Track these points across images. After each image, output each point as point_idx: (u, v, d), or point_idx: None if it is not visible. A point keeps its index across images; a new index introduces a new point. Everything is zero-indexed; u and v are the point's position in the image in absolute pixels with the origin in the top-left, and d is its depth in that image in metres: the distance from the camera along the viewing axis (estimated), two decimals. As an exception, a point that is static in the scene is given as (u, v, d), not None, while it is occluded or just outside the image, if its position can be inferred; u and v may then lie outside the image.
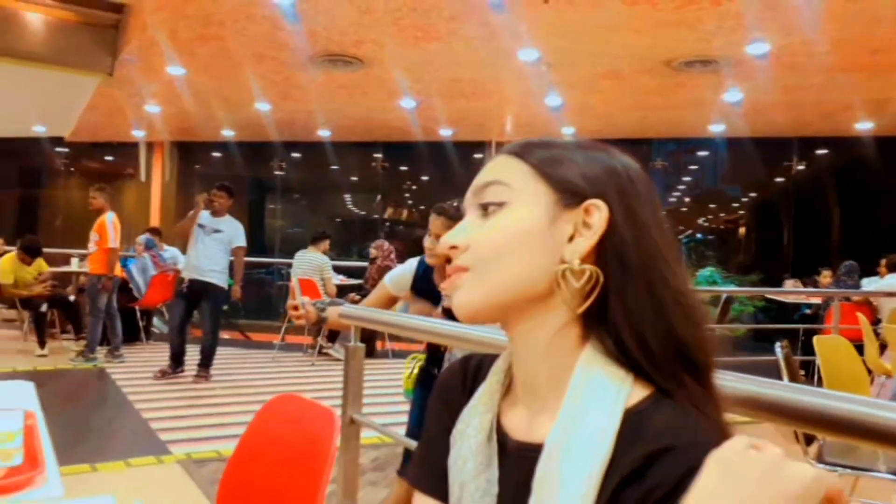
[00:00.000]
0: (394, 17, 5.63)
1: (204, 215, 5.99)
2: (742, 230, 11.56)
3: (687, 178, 11.63)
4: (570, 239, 0.66)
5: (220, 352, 5.87)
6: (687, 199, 11.80)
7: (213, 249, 5.97)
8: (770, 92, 7.36)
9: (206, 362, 6.07)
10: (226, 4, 5.55)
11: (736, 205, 11.70)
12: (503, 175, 0.70)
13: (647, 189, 0.69)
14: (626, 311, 0.63)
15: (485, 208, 0.69)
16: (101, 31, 6.71)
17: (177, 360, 6.07)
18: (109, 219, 6.45)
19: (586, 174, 0.68)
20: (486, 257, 0.67)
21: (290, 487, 1.47)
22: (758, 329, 9.07)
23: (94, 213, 6.61)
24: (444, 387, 0.80)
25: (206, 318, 6.16)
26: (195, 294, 5.98)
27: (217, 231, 6.00)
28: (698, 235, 11.63)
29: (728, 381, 0.99)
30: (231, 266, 6.11)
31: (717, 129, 9.41)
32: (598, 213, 0.65)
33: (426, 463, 0.76)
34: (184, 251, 6.49)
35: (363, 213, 13.24)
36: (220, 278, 6.00)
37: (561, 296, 0.65)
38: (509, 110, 9.01)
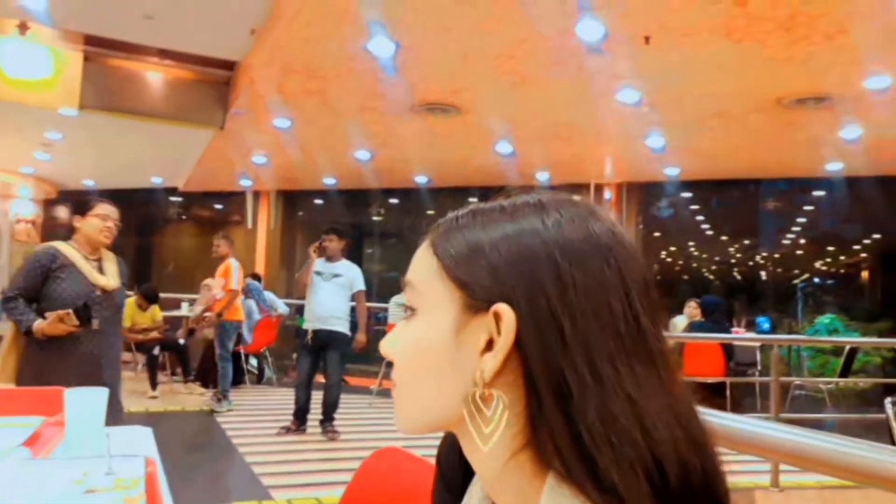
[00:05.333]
0: (492, 66, 5.66)
1: (319, 262, 5.85)
2: (865, 274, 10.78)
3: (801, 220, 10.99)
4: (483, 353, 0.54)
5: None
6: (802, 242, 11.14)
7: (334, 295, 5.78)
8: (893, 127, 6.88)
9: (331, 416, 5.82)
10: (329, 59, 5.74)
11: (857, 247, 10.94)
12: (414, 273, 0.60)
13: (597, 270, 0.53)
14: (570, 436, 0.50)
15: (406, 310, 0.60)
16: (215, 87, 7.11)
17: (301, 416, 5.83)
18: (235, 264, 6.70)
19: (497, 267, 0.54)
20: (401, 379, 0.59)
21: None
22: (887, 384, 8.33)
23: (216, 259, 6.88)
24: (442, 465, 0.72)
25: (331, 369, 5.82)
26: (321, 345, 5.76)
27: (336, 275, 5.84)
28: (815, 279, 10.93)
29: (831, 445, 0.95)
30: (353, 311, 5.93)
31: (833, 167, 8.86)
32: (505, 319, 0.52)
33: None
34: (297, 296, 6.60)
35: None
36: (344, 325, 5.79)
37: (476, 425, 0.53)
38: (608, 152, 8.84)
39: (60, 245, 3.09)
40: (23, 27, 6.13)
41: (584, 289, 0.52)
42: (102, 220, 3.11)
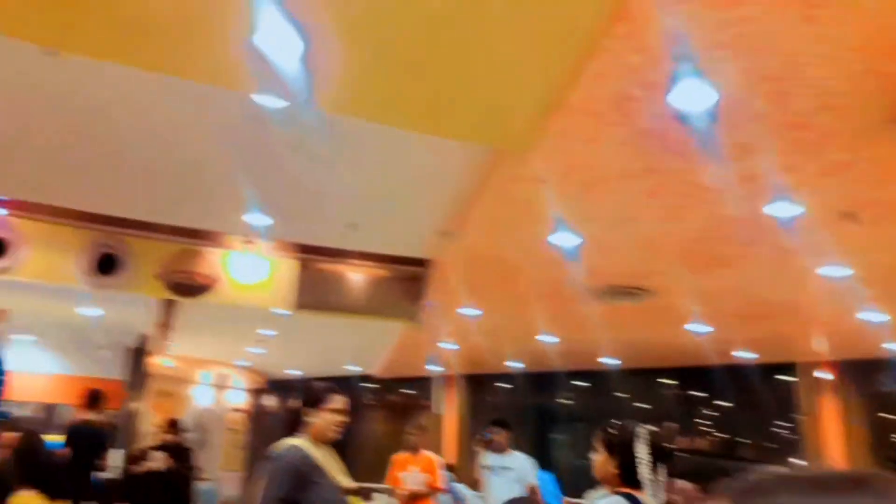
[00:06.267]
0: (681, 250, 5.54)
1: (489, 456, 5.74)
2: None
3: None
4: None
5: None
6: None
7: (507, 491, 5.52)
8: None
9: None
10: (515, 252, 5.94)
11: None
12: None
13: None
14: None
15: None
16: (408, 283, 7.56)
17: None
18: (438, 459, 6.57)
19: None
20: None
21: None
22: None
23: (409, 448, 6.85)
24: None
25: None
26: None
27: (505, 468, 5.70)
28: None
29: None
30: None
31: None
32: None
33: None
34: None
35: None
36: None
37: None
38: (817, 328, 8.09)
39: (301, 443, 2.82)
40: (248, 242, 7.01)
41: None
42: (336, 414, 2.89)
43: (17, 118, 4.46)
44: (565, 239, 5.41)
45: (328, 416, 2.89)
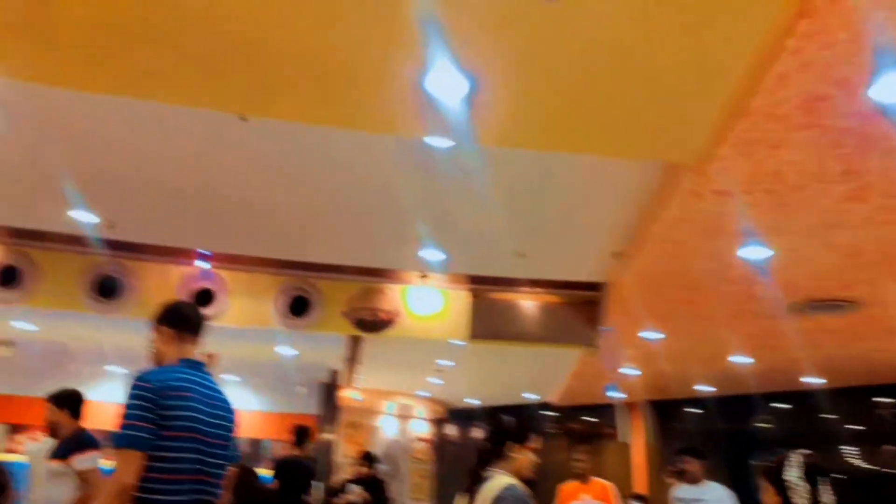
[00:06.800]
0: (886, 256, 4.96)
1: (681, 487, 5.41)
2: None
3: None
4: None
5: None
6: None
7: None
8: None
9: None
10: (701, 270, 5.62)
11: None
12: None
13: None
14: None
15: None
16: (583, 308, 7.40)
17: None
18: (613, 489, 6.34)
19: None
20: None
21: None
22: None
23: (577, 477, 6.64)
24: None
25: None
26: None
27: (700, 501, 5.31)
28: None
29: None
30: None
31: None
32: None
33: None
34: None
35: (872, 467, 11.07)
36: None
37: None
38: None
39: (515, 481, 2.79)
40: (424, 276, 7.24)
41: None
42: (535, 454, 2.91)
43: (213, 178, 4.95)
44: (757, 252, 5.03)
45: (531, 456, 2.89)
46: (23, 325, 8.44)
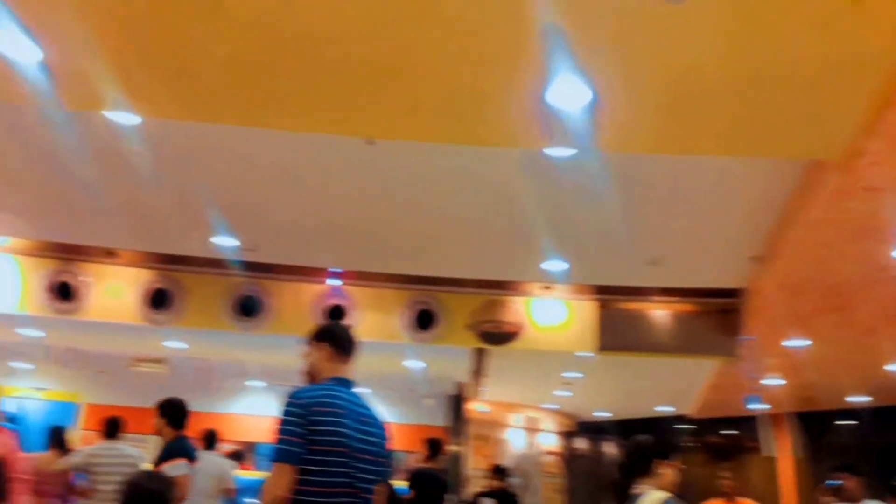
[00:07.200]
0: None
1: None
2: None
3: None
4: None
5: None
6: None
7: None
8: None
9: None
10: (852, 273, 5.23)
11: None
12: None
13: None
14: None
15: None
16: (720, 317, 7.04)
17: None
18: None
19: None
20: None
21: None
22: None
23: (721, 494, 6.34)
24: None
25: None
26: None
27: None
28: None
29: None
30: None
31: None
32: None
33: None
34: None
35: None
36: None
37: None
38: None
39: (670, 495, 2.76)
40: (547, 288, 7.16)
41: None
42: (679, 472, 2.88)
43: (342, 200, 5.14)
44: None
45: (676, 471, 2.83)
46: (174, 344, 9.06)
